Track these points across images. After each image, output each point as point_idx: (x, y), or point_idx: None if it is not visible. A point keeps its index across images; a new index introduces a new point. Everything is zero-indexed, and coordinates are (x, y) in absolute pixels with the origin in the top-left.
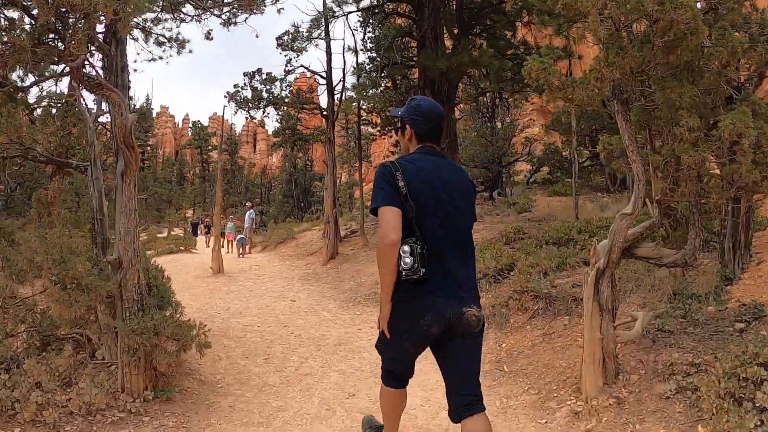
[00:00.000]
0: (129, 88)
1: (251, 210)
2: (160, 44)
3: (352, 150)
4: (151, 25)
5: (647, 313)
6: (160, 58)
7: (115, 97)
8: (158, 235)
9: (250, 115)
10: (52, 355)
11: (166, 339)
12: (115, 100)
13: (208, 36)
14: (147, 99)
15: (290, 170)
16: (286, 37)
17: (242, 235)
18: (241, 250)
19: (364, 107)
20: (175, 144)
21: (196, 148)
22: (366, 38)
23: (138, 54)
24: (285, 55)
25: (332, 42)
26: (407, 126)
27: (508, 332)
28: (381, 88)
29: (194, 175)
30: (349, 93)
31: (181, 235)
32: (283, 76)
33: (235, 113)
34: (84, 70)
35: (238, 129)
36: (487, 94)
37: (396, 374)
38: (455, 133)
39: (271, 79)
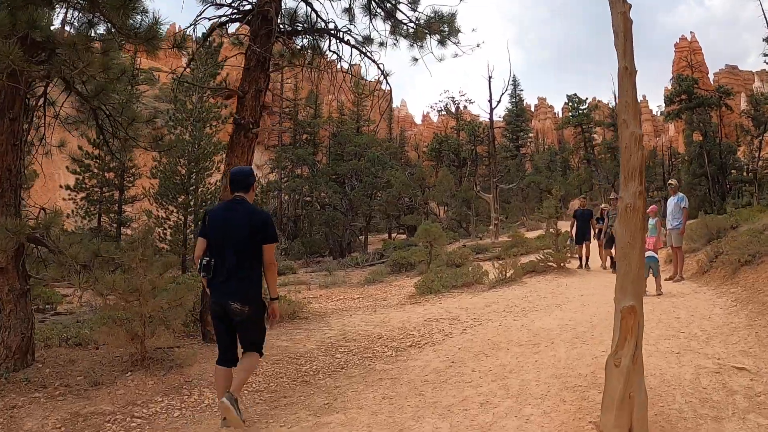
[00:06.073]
0: None
1: (679, 195)
2: None
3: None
4: None
5: None
6: None
7: None
8: (527, 235)
9: None
10: None
11: None
12: None
13: None
14: (514, 80)
15: (699, 142)
16: None
17: (652, 253)
18: (659, 284)
19: None
20: (558, 135)
21: (574, 126)
22: None
23: None
24: None
25: None
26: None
27: None
28: None
29: (579, 159)
30: None
31: (560, 234)
32: None
33: None
34: None
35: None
36: None
37: (219, 351)
38: None
39: None
